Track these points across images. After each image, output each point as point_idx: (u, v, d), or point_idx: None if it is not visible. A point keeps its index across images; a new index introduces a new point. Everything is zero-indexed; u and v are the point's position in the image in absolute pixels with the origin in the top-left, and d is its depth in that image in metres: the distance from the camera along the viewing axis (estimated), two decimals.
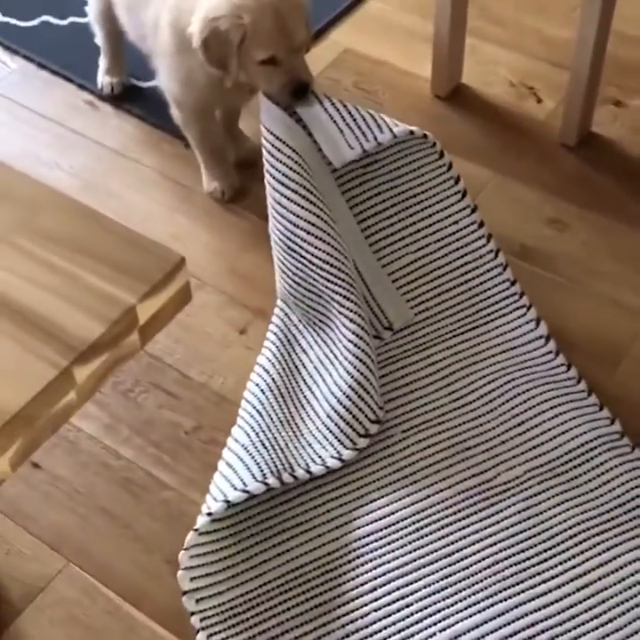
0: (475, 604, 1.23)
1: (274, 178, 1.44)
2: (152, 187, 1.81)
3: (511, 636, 1.20)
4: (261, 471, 1.30)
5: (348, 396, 1.38)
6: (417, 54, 1.98)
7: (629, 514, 1.32)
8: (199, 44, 1.47)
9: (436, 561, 1.28)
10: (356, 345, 1.41)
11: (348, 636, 1.23)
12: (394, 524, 1.32)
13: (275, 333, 1.52)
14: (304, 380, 1.46)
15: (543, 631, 1.20)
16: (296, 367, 1.48)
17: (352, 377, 1.39)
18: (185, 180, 1.81)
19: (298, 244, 1.44)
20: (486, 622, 1.21)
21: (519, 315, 1.52)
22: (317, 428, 1.40)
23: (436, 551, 1.29)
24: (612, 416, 1.44)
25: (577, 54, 1.72)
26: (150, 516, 1.38)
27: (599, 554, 1.27)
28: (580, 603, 1.22)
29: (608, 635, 1.21)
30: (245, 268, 1.67)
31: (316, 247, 1.42)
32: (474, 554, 1.28)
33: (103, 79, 1.92)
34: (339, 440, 1.38)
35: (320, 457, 1.37)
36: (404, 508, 1.34)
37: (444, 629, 1.22)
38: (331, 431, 1.39)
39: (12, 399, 0.72)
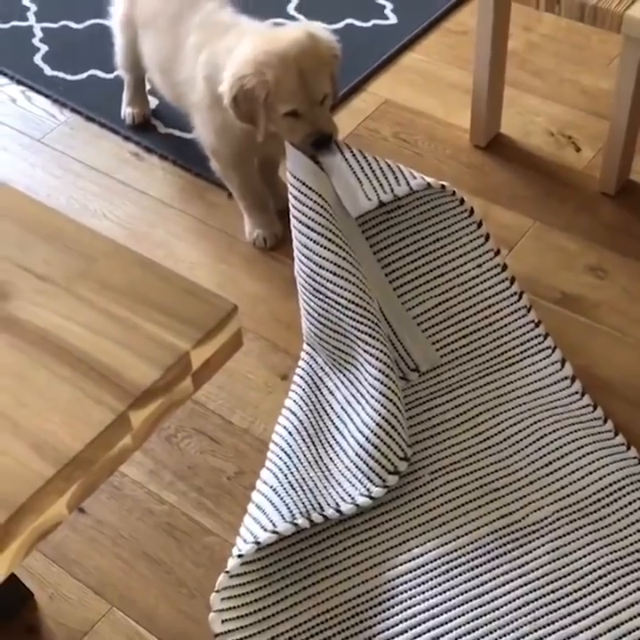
0: None
1: (300, 222, 1.48)
2: (196, 235, 1.84)
3: None
4: (290, 512, 1.31)
5: (376, 434, 1.39)
6: (456, 105, 2.01)
7: None
8: (229, 102, 1.55)
9: (467, 602, 1.28)
10: (382, 382, 1.42)
11: None
12: (424, 566, 1.32)
13: (301, 376, 1.53)
14: (332, 421, 1.47)
15: None
16: (323, 409, 1.49)
17: (380, 414, 1.40)
18: (228, 228, 1.84)
19: (323, 285, 1.47)
20: None
21: (544, 356, 1.53)
22: (346, 466, 1.40)
23: (466, 592, 1.29)
24: (639, 455, 1.43)
25: (616, 104, 1.74)
26: (193, 561, 1.39)
27: (630, 593, 1.26)
28: None
29: None
30: (287, 315, 1.69)
31: (341, 287, 1.45)
32: (504, 595, 1.27)
33: (125, 110, 2.01)
34: (368, 478, 1.38)
35: (350, 495, 1.37)
36: (434, 549, 1.34)
37: None
38: (360, 469, 1.39)
39: (71, 443, 0.74)
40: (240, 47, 1.56)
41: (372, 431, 1.39)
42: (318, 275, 1.47)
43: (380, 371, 1.43)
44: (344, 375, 1.50)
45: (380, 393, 1.41)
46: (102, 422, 0.75)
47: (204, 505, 1.45)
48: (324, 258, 1.46)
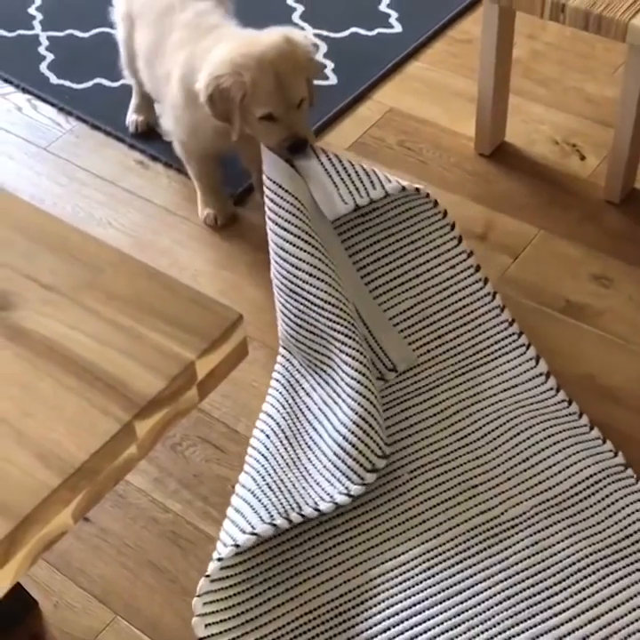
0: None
1: (276, 224, 1.50)
2: (200, 243, 1.85)
3: None
4: (269, 513, 1.31)
5: (353, 432, 1.40)
6: (461, 114, 2.02)
7: (637, 545, 1.33)
8: (205, 100, 1.57)
9: (448, 599, 1.29)
10: (358, 382, 1.43)
11: None
12: (405, 564, 1.33)
13: (277, 380, 1.54)
14: (309, 422, 1.48)
15: None
16: (300, 410, 1.50)
17: (356, 413, 1.41)
18: (230, 237, 1.85)
19: (299, 286, 1.49)
20: None
21: (519, 354, 1.55)
22: (325, 466, 1.41)
23: (447, 589, 1.30)
24: (615, 449, 1.45)
25: (620, 112, 1.74)
26: (198, 569, 1.39)
27: (608, 585, 1.28)
28: (593, 634, 1.24)
29: None
30: None
31: (317, 288, 1.47)
32: (485, 590, 1.29)
33: (130, 117, 2.02)
34: (346, 476, 1.39)
35: (329, 494, 1.38)
36: (415, 547, 1.35)
37: None
38: (338, 468, 1.40)
39: (77, 453, 0.74)
40: (217, 49, 1.58)
41: (349, 430, 1.40)
42: (294, 276, 1.49)
43: (356, 370, 1.44)
44: (320, 376, 1.51)
45: (357, 392, 1.42)
46: (108, 432, 0.75)
47: (208, 514, 1.45)
48: (299, 259, 1.48)
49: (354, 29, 2.21)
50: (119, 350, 0.80)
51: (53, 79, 2.15)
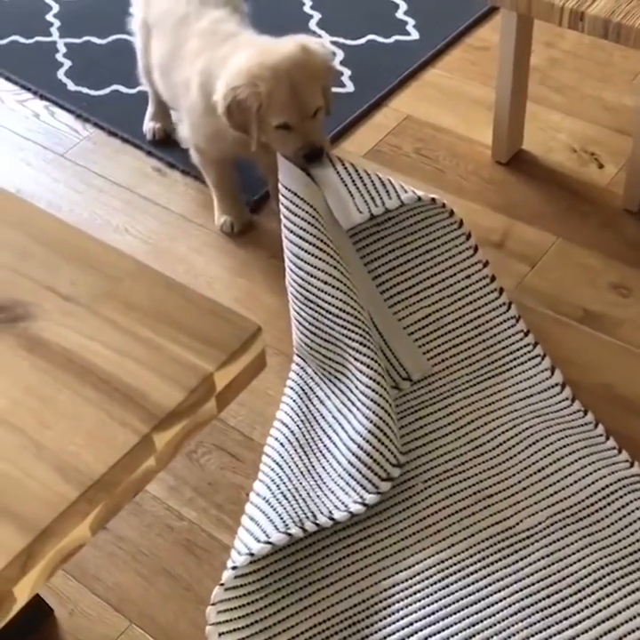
0: None
1: (292, 232, 1.51)
2: (216, 250, 1.85)
3: None
4: (283, 522, 1.31)
5: (368, 441, 1.40)
6: (478, 121, 2.01)
7: None
8: (223, 111, 1.58)
9: (463, 609, 1.28)
10: (373, 390, 1.43)
11: None
12: (419, 574, 1.33)
13: (292, 388, 1.54)
14: (323, 430, 1.48)
15: None
16: (314, 418, 1.50)
17: (371, 422, 1.40)
18: (246, 244, 1.85)
19: (315, 294, 1.49)
20: None
21: (534, 364, 1.55)
22: (339, 474, 1.41)
23: (461, 599, 1.29)
24: (630, 459, 1.44)
25: (638, 120, 1.73)
26: (212, 578, 1.39)
27: (625, 596, 1.27)
28: None
29: None
30: None
31: (332, 296, 1.48)
32: (500, 601, 1.28)
33: (147, 125, 2.02)
34: (361, 485, 1.38)
35: (343, 503, 1.38)
36: (429, 557, 1.34)
37: None
38: (352, 477, 1.40)
39: (95, 465, 0.74)
40: (235, 57, 1.59)
41: (364, 438, 1.40)
42: (309, 284, 1.49)
43: (370, 378, 1.44)
44: (334, 385, 1.52)
45: (372, 400, 1.42)
46: (126, 444, 0.75)
47: (223, 521, 1.45)
48: (315, 267, 1.48)
49: (371, 37, 2.21)
50: (138, 361, 0.80)
51: (71, 86, 2.16)
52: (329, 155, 1.58)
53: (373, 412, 1.41)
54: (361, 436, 1.41)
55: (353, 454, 1.40)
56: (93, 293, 0.84)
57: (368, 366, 1.45)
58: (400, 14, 2.27)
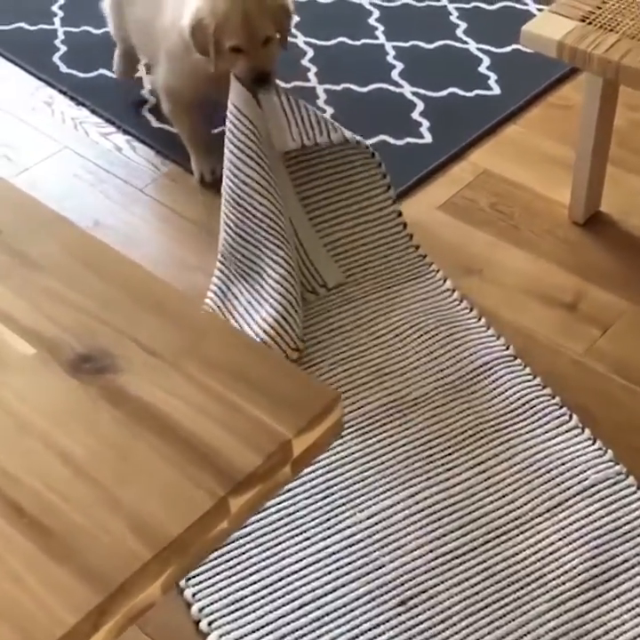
0: (387, 491, 1.50)
1: (232, 143, 1.71)
2: None
3: (413, 514, 1.46)
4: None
5: (272, 327, 1.65)
6: (555, 179, 2.00)
7: (522, 416, 1.59)
8: (189, 33, 1.81)
9: (356, 460, 1.53)
10: (282, 285, 1.67)
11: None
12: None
13: (212, 290, 1.78)
14: (236, 321, 1.69)
15: (446, 508, 1.47)
16: (228, 311, 1.74)
17: (277, 311, 1.66)
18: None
19: (244, 199, 1.71)
20: (397, 503, 1.48)
21: (430, 277, 1.83)
22: None
23: (355, 453, 1.54)
24: (506, 342, 1.70)
25: None
26: None
27: (494, 447, 1.55)
28: (479, 484, 1.50)
29: (502, 507, 1.47)
30: None
31: (259, 203, 1.70)
32: (387, 453, 1.54)
33: (117, 69, 2.27)
34: None
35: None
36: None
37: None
38: None
39: (170, 526, 0.74)
40: None
41: (269, 325, 1.65)
42: (241, 190, 1.71)
43: (281, 276, 1.68)
44: (248, 282, 1.74)
45: (279, 293, 1.67)
46: (202, 507, 0.74)
47: None
48: (248, 176, 1.70)
49: (452, 89, 2.22)
50: (217, 422, 0.80)
51: (154, 122, 2.20)
52: (276, 86, 1.80)
53: (280, 304, 1.66)
54: (266, 322, 1.65)
55: (259, 339, 1.61)
56: (175, 348, 0.84)
57: (281, 266, 1.68)
58: (482, 69, 2.27)
